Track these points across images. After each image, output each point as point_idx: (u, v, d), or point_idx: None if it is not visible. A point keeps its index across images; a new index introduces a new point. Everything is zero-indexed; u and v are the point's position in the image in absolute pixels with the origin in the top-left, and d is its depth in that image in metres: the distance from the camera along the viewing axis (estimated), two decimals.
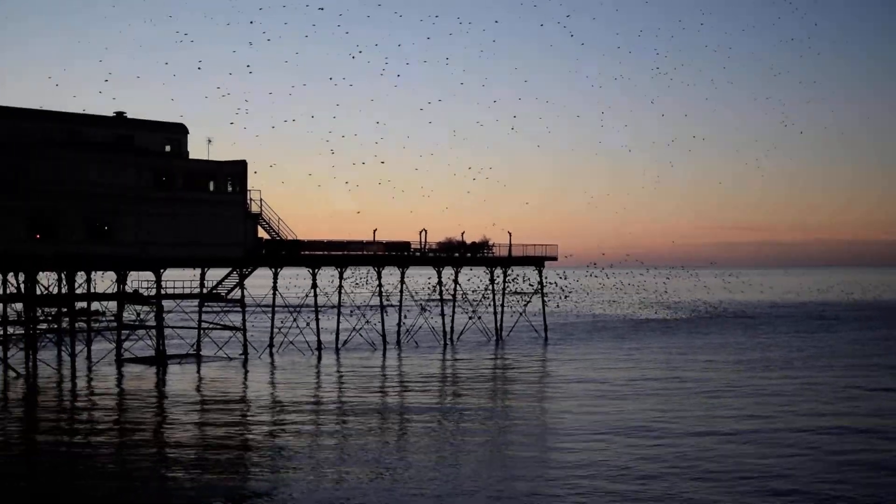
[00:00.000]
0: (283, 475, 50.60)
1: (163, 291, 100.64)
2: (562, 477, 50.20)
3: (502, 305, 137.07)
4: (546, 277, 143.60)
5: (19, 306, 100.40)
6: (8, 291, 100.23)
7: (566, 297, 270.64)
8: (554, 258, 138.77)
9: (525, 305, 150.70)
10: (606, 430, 64.13)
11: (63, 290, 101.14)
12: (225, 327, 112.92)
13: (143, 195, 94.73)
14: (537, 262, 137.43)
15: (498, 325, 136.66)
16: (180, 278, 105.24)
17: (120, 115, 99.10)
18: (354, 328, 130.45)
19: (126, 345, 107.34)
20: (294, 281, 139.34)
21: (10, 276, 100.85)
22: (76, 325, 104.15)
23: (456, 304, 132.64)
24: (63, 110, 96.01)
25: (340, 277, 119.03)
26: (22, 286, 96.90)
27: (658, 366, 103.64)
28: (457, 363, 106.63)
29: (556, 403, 76.43)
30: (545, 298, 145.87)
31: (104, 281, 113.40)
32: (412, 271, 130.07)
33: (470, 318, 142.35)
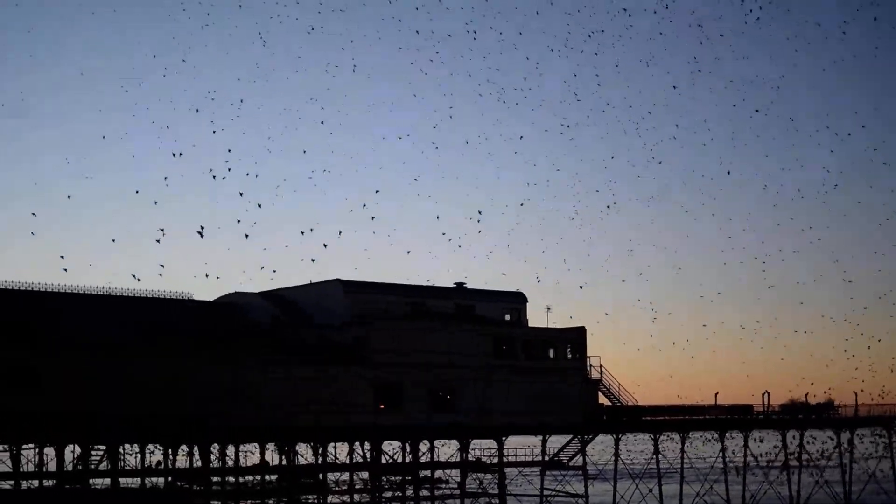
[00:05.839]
0: None
1: (505, 459, 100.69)
2: None
3: (850, 469, 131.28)
4: None
5: (365, 475, 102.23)
6: (355, 460, 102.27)
7: None
8: None
9: (875, 468, 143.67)
10: None
11: (407, 459, 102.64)
12: (568, 494, 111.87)
13: (485, 364, 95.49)
14: (887, 422, 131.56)
15: (847, 490, 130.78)
16: (522, 445, 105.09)
17: (460, 285, 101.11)
18: (698, 494, 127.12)
19: None
20: (636, 446, 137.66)
21: (357, 445, 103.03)
22: (420, 493, 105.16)
23: (802, 467, 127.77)
24: (407, 283, 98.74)
25: (682, 442, 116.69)
26: (368, 455, 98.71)
27: None
28: None
29: None
30: None
31: (447, 448, 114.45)
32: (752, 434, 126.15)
33: (817, 482, 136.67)
